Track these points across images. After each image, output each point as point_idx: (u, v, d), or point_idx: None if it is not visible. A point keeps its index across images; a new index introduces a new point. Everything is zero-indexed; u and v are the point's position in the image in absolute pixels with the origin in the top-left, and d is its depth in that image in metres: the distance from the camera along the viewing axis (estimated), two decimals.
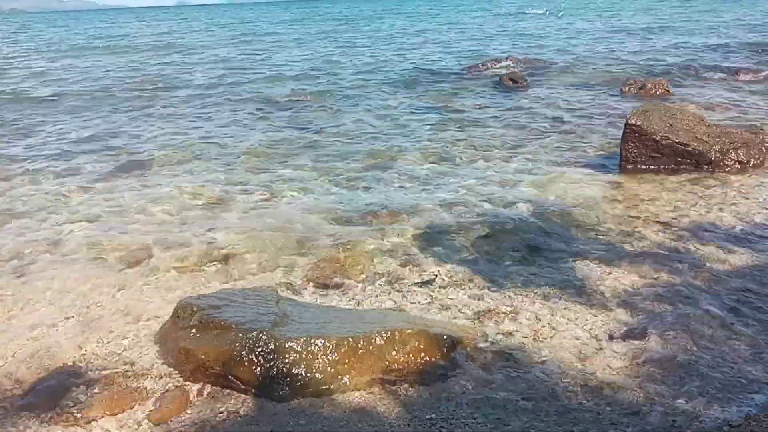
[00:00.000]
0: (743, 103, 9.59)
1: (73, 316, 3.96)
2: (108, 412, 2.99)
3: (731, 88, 10.94)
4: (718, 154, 6.35)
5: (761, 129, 7.17)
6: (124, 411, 3.00)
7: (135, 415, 2.97)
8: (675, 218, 5.19)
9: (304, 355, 3.16)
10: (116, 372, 3.31)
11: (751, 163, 6.38)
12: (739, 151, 6.40)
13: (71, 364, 3.42)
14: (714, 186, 5.92)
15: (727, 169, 6.28)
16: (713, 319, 3.58)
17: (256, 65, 18.10)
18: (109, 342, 3.64)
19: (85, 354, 3.51)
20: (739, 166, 6.33)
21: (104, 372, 3.32)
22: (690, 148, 6.36)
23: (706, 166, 6.34)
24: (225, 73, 16.39)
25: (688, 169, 6.35)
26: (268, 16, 62.60)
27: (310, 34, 30.72)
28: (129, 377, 3.26)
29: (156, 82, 15.03)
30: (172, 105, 11.88)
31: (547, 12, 37.62)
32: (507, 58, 15.10)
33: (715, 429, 2.65)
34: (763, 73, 12.08)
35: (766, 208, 5.29)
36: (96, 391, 3.15)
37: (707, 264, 4.32)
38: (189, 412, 2.98)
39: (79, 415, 2.97)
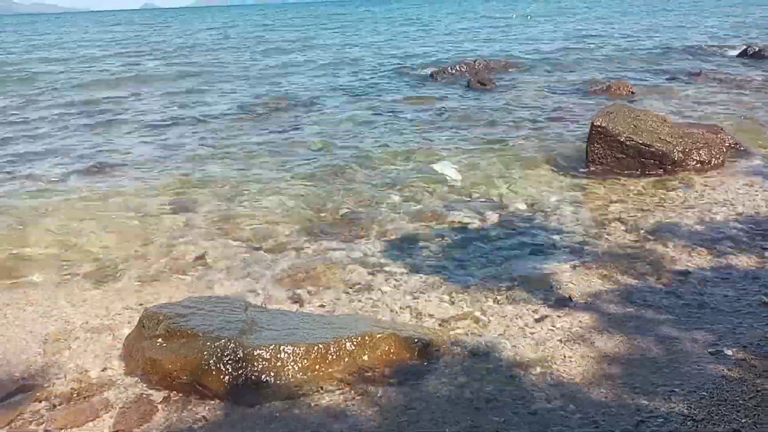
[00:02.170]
0: (704, 104, 9.84)
1: (35, 328, 3.85)
2: (71, 425, 2.91)
3: (693, 90, 11.21)
4: (680, 155, 6.50)
5: (722, 129, 7.37)
6: (88, 423, 2.92)
7: (99, 427, 2.90)
8: (639, 218, 5.29)
9: (273, 363, 3.13)
10: (80, 384, 3.23)
11: (713, 162, 6.54)
12: (701, 151, 6.56)
13: (34, 376, 3.33)
14: (677, 186, 6.05)
15: (689, 169, 6.43)
16: (675, 317, 3.65)
17: (222, 70, 17.92)
18: (72, 353, 3.55)
19: (48, 366, 3.42)
20: (700, 166, 6.49)
21: (68, 384, 3.24)
22: (654, 149, 6.50)
23: (669, 166, 6.48)
24: (189, 79, 16.18)
25: (652, 170, 6.49)
26: (246, 19, 62.11)
27: (273, 39, 30.56)
28: (94, 388, 3.19)
29: (112, 86, 14.77)
30: (133, 110, 11.68)
31: (515, 16, 38.11)
32: (475, 61, 15.22)
33: (679, 424, 2.70)
34: (723, 75, 12.41)
35: (725, 207, 5.43)
36: (59, 403, 3.07)
37: (670, 263, 4.41)
38: (155, 421, 2.92)
39: (41, 429, 2.89)
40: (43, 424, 2.92)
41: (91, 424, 2.92)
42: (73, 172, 7.49)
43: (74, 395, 3.13)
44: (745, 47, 15.75)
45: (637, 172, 6.49)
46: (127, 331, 3.72)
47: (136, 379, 3.26)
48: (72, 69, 19.35)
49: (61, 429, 2.89)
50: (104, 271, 4.68)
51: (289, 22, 50.39)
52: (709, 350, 3.28)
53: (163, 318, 3.45)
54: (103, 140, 9.23)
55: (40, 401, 3.10)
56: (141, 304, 4.04)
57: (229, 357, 3.12)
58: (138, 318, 3.63)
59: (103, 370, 3.36)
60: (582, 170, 6.73)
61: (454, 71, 14.46)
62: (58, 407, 3.04)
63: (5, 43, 34.59)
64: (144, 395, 3.13)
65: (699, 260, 4.43)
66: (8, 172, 7.61)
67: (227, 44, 27.67)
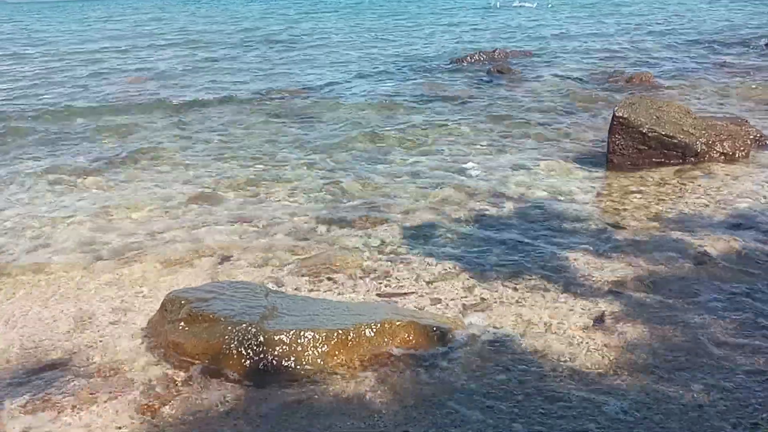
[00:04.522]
0: (729, 95, 9.68)
1: (61, 309, 3.93)
2: (95, 401, 2.99)
3: (717, 81, 11.02)
4: (704, 146, 6.40)
5: (746, 121, 7.24)
6: (111, 400, 3.00)
7: (122, 405, 2.96)
8: (661, 210, 5.24)
9: (293, 348, 3.17)
10: (104, 363, 3.30)
11: (737, 155, 6.44)
12: (724, 143, 6.45)
13: (59, 355, 3.41)
14: (700, 178, 5.97)
15: (712, 161, 6.34)
16: (699, 308, 3.63)
17: (237, 57, 17.97)
18: (97, 334, 3.62)
19: (73, 346, 3.50)
20: (724, 158, 6.39)
21: (92, 363, 3.31)
22: (676, 141, 6.41)
23: (692, 158, 6.39)
24: (206, 65, 16.25)
25: (674, 161, 6.40)
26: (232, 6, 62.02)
27: (286, 26, 30.48)
28: (117, 369, 3.25)
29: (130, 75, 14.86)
30: (155, 98, 11.76)
31: (537, 5, 37.64)
32: (494, 51, 15.09)
33: (697, 416, 2.68)
34: (748, 66, 12.18)
35: (750, 198, 5.35)
36: (83, 381, 3.15)
37: (693, 254, 4.36)
38: (177, 401, 2.98)
39: (66, 404, 2.98)
40: (69, 400, 3.00)
41: (115, 401, 2.99)
42: (98, 160, 7.58)
43: (99, 374, 3.20)
44: None
45: (659, 164, 6.41)
46: (149, 314, 3.78)
47: (159, 361, 3.32)
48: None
49: (86, 405, 2.97)
50: (128, 255, 4.75)
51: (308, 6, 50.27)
52: (735, 341, 3.25)
53: (185, 302, 3.51)
54: (121, 128, 9.32)
55: (66, 378, 3.18)
56: (163, 289, 4.10)
57: (250, 341, 3.16)
58: (161, 302, 3.69)
59: (126, 352, 3.42)
60: (602, 161, 6.66)
61: (473, 60, 14.36)
62: (84, 384, 3.12)
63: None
64: (166, 377, 3.18)
65: (722, 251, 4.37)
66: (35, 157, 7.74)
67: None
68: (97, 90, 12.95)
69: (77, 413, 2.92)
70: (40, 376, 3.22)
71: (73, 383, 3.14)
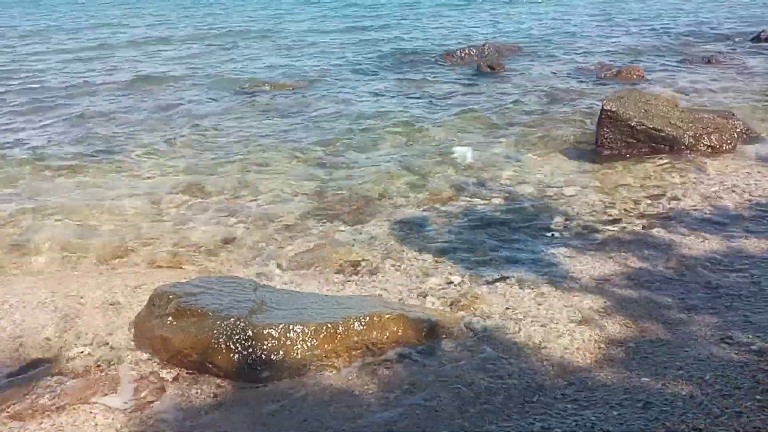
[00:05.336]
0: (716, 89, 9.73)
1: (47, 307, 3.90)
2: (82, 400, 2.97)
3: (704, 74, 11.08)
4: (691, 139, 6.44)
5: (732, 114, 7.29)
6: (99, 398, 2.98)
7: (110, 403, 2.95)
8: (648, 203, 5.28)
9: (282, 342, 3.17)
10: (91, 361, 3.29)
11: (723, 147, 6.49)
12: (711, 136, 6.50)
13: (46, 354, 3.38)
14: (687, 171, 6.01)
15: (700, 154, 6.38)
16: (683, 302, 3.65)
17: (224, 52, 17.85)
18: (83, 331, 3.60)
19: (59, 344, 3.47)
20: (711, 151, 6.43)
21: (79, 361, 3.29)
22: (664, 134, 6.45)
23: (679, 151, 6.43)
24: (195, 58, 16.12)
25: (662, 154, 6.44)
26: None
27: (279, 17, 30.30)
28: (104, 366, 3.24)
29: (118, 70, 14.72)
30: (142, 92, 11.66)
31: None
32: (485, 45, 15.08)
33: (683, 407, 2.71)
34: (736, 61, 12.26)
35: (736, 193, 5.40)
36: (71, 379, 3.13)
37: (678, 248, 4.40)
38: (166, 398, 2.97)
39: (52, 404, 2.95)
40: (56, 399, 2.98)
41: (102, 399, 2.98)
42: (82, 154, 7.51)
43: (86, 371, 3.19)
44: (759, 32, 15.51)
45: (647, 157, 6.44)
46: (137, 309, 3.75)
47: (147, 356, 3.31)
48: None
49: (74, 403, 2.95)
50: (115, 251, 4.73)
51: None
52: (719, 335, 3.28)
53: (173, 297, 3.49)
54: (109, 124, 9.24)
55: (53, 376, 3.16)
56: (150, 284, 4.07)
57: (238, 336, 3.15)
58: (148, 297, 3.67)
59: (114, 348, 3.41)
60: (591, 154, 6.69)
61: (463, 55, 14.32)
62: (71, 382, 3.10)
63: None
64: (154, 373, 3.17)
65: (708, 245, 4.41)
66: (16, 151, 7.65)
67: None
68: (86, 87, 12.83)
69: (63, 411, 2.90)
70: (26, 375, 3.20)
71: (58, 381, 3.12)
